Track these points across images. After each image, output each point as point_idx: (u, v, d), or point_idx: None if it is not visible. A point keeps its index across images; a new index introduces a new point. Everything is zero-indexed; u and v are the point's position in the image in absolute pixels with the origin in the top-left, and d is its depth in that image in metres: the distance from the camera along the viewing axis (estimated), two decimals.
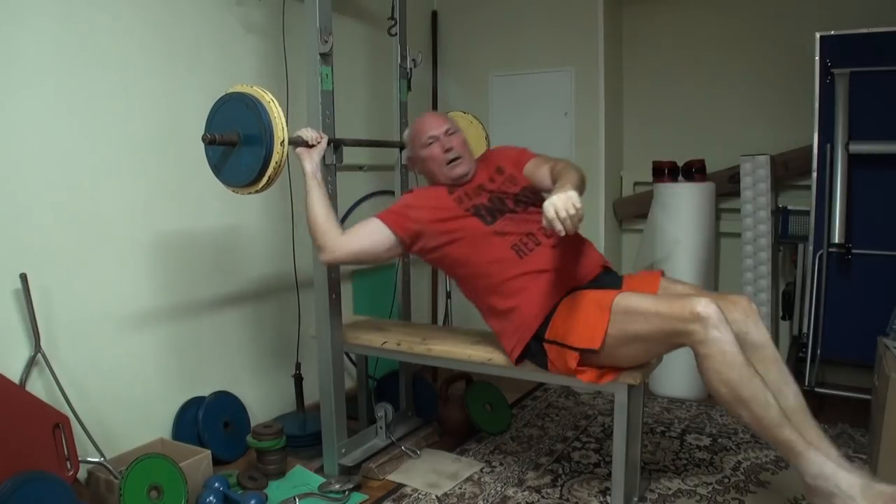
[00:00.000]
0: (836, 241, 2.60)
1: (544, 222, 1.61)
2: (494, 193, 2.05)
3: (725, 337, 1.61)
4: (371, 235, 2.00)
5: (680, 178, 3.02)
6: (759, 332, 1.78)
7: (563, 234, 1.59)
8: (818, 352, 2.69)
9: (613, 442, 1.90)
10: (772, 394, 1.62)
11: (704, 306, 1.61)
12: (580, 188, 1.76)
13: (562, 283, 1.90)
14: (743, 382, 1.61)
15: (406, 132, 2.24)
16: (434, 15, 3.54)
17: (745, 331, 1.75)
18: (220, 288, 2.49)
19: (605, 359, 1.78)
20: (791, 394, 1.75)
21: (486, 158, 2.21)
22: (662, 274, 2.02)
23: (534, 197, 2.05)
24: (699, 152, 3.03)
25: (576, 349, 1.78)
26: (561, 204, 1.57)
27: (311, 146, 1.99)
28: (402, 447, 2.40)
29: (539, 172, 2.04)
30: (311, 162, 1.99)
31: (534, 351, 1.90)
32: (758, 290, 2.86)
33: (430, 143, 2.08)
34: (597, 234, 3.18)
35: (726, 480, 2.20)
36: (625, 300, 1.75)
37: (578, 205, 1.59)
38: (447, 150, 2.06)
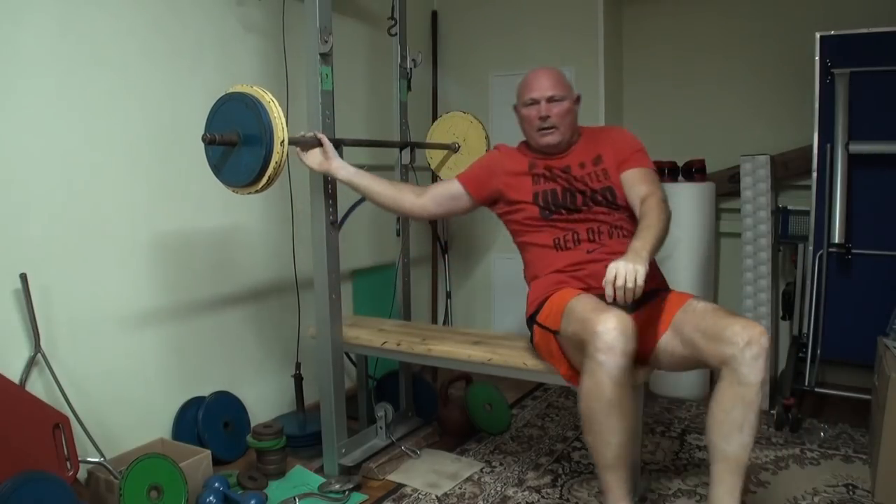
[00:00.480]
0: (836, 241, 2.60)
1: (603, 281, 1.60)
2: (572, 184, 1.97)
3: (608, 366, 1.54)
4: (452, 200, 2.11)
5: (680, 178, 3.02)
6: (751, 370, 1.58)
7: (610, 300, 1.59)
8: (818, 352, 2.69)
9: None
10: (622, 435, 1.60)
11: (606, 326, 1.55)
12: (657, 244, 1.71)
13: (575, 283, 1.91)
14: (598, 415, 1.60)
15: (519, 80, 2.11)
16: (434, 15, 3.54)
17: (739, 360, 1.58)
18: (220, 288, 2.49)
19: (570, 356, 1.81)
20: (737, 443, 1.61)
21: (597, 135, 2.07)
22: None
23: (611, 197, 1.95)
24: (699, 152, 3.02)
25: (550, 330, 1.84)
26: (622, 273, 1.56)
27: (320, 144, 2.01)
28: (402, 447, 2.40)
29: (632, 190, 1.92)
30: (338, 170, 2.04)
31: (530, 328, 2.00)
32: (758, 290, 2.86)
33: (530, 105, 2.00)
34: None
35: None
36: (577, 301, 1.74)
37: (640, 282, 1.56)
38: (543, 118, 1.97)
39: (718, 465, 1.66)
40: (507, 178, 2.05)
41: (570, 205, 1.95)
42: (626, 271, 1.57)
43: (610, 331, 1.54)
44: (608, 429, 1.60)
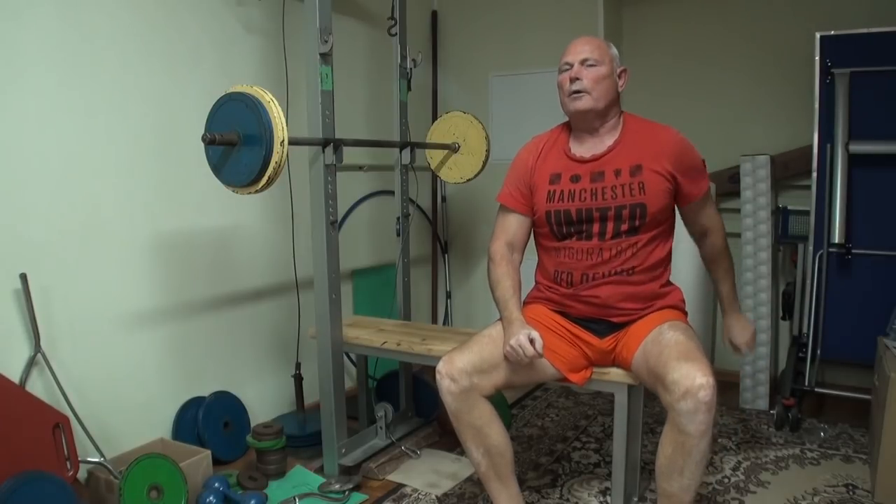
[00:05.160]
0: (836, 241, 2.60)
1: (742, 345, 1.97)
2: (596, 198, 1.78)
3: (447, 395, 1.74)
4: (525, 228, 1.94)
5: None
6: (689, 422, 1.52)
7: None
8: (818, 352, 2.69)
9: (613, 442, 1.90)
10: (484, 451, 1.78)
11: (447, 358, 1.75)
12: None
13: (551, 304, 1.91)
14: (458, 430, 1.79)
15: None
16: (434, 15, 3.54)
17: (676, 409, 1.54)
18: (220, 288, 2.49)
19: None
20: (677, 486, 1.61)
21: (644, 136, 1.84)
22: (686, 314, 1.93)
23: (640, 217, 1.76)
24: (699, 152, 3.02)
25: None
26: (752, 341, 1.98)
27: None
28: (402, 447, 2.40)
29: (695, 223, 1.94)
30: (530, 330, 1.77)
31: None
32: (758, 290, 2.86)
33: (564, 70, 1.82)
34: None
35: (726, 480, 2.20)
36: (488, 332, 1.85)
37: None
38: (573, 80, 1.78)
39: (661, 500, 1.67)
40: (525, 191, 1.91)
41: (585, 230, 1.81)
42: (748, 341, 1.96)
43: (448, 362, 1.75)
44: (470, 447, 1.79)
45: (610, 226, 1.78)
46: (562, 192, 1.83)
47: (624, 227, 1.78)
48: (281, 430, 2.27)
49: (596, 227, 1.80)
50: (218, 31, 2.42)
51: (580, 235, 1.82)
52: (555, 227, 1.85)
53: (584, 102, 1.78)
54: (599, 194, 1.78)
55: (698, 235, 1.98)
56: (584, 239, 1.81)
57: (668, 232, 1.86)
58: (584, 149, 1.85)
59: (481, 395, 1.75)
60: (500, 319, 1.84)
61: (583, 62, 1.78)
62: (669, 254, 1.88)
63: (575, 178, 1.83)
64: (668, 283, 1.89)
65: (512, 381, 1.82)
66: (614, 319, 1.83)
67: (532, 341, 1.67)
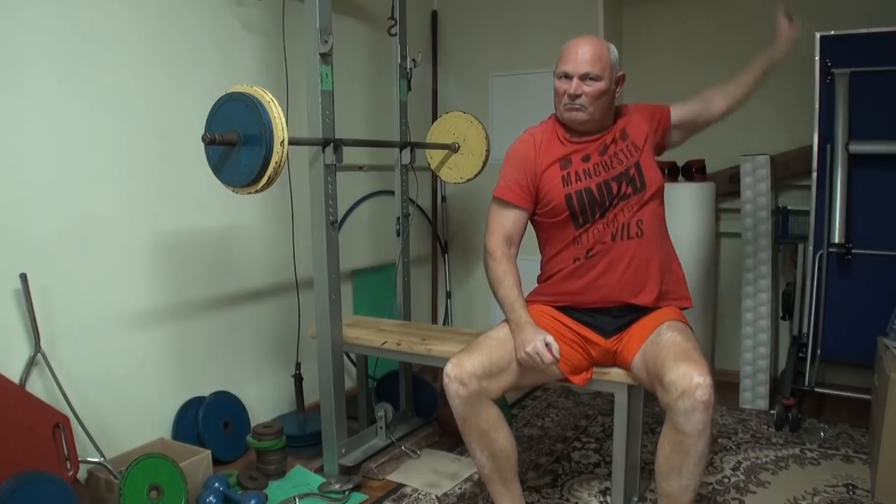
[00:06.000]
0: (836, 241, 2.60)
1: None
2: (607, 172, 1.81)
3: (456, 399, 1.71)
4: (522, 223, 1.91)
5: (680, 177, 3.02)
6: (686, 421, 1.53)
7: None
8: (818, 352, 2.69)
9: (613, 442, 1.90)
10: (489, 454, 1.78)
11: (456, 361, 1.72)
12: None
13: (557, 298, 1.90)
14: (464, 433, 1.78)
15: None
16: (434, 15, 3.54)
17: (674, 409, 1.55)
18: (220, 288, 2.49)
19: None
20: (676, 485, 1.62)
21: (626, 110, 1.93)
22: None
23: (639, 175, 1.81)
24: (699, 152, 3.02)
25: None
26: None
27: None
28: (402, 447, 2.40)
29: (693, 106, 2.02)
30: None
31: None
32: (758, 290, 2.86)
33: (562, 78, 1.80)
34: None
35: (726, 480, 2.20)
36: (493, 334, 1.84)
37: None
38: (572, 97, 1.78)
39: (661, 500, 1.68)
40: (529, 183, 1.87)
41: (608, 201, 1.80)
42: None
43: (457, 366, 1.71)
44: (474, 447, 1.78)
45: (622, 187, 1.81)
46: (577, 172, 1.83)
47: (631, 182, 1.81)
48: (281, 430, 2.27)
49: (615, 189, 1.80)
50: (218, 31, 2.42)
51: (603, 214, 1.81)
52: (577, 212, 1.81)
53: (579, 115, 1.81)
54: (609, 164, 1.82)
55: (711, 105, 2.13)
56: (605, 210, 1.81)
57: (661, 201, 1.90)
58: (581, 133, 1.88)
59: (489, 398, 1.74)
60: (507, 321, 1.83)
61: (583, 77, 1.77)
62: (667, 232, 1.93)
63: (586, 158, 1.84)
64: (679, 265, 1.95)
65: (518, 384, 1.84)
66: (634, 300, 1.80)
67: (548, 346, 1.67)
